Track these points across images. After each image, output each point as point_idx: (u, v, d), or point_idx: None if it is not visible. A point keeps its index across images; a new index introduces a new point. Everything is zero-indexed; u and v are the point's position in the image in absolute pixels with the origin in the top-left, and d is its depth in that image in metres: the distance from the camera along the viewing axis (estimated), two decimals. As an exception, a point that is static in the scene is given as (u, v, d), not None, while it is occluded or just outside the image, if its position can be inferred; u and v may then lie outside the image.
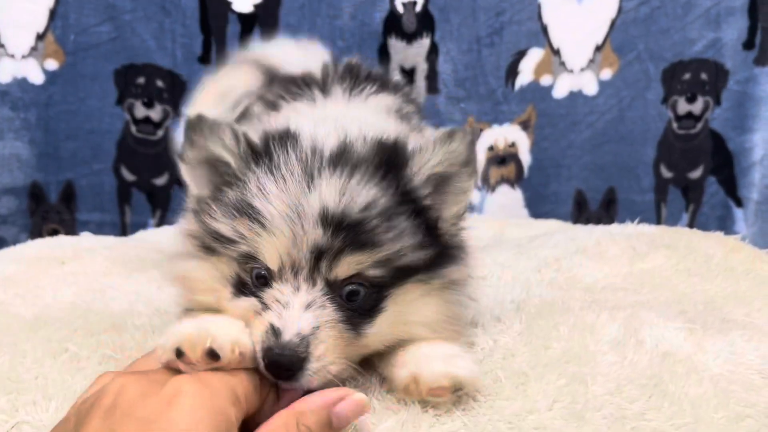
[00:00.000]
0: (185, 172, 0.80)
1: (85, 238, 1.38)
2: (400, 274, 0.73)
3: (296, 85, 1.06)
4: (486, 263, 1.15)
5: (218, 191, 0.77)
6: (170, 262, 0.84)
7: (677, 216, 1.97)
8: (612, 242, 1.23)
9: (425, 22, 1.86)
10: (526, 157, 1.95)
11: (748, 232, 1.88)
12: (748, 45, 1.85)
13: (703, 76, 1.88)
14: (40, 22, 1.82)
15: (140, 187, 1.92)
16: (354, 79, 1.07)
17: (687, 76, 1.88)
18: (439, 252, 0.76)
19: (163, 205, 1.92)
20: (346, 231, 0.70)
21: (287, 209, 0.70)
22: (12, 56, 1.82)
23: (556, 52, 1.88)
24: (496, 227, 1.64)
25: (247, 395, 0.65)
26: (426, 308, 0.76)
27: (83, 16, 1.83)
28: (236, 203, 0.73)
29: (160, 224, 1.89)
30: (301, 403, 0.65)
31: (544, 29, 1.87)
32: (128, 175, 1.91)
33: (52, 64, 1.84)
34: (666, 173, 1.95)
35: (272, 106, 1.02)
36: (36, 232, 1.88)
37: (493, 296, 1.01)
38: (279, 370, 0.68)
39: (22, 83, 1.83)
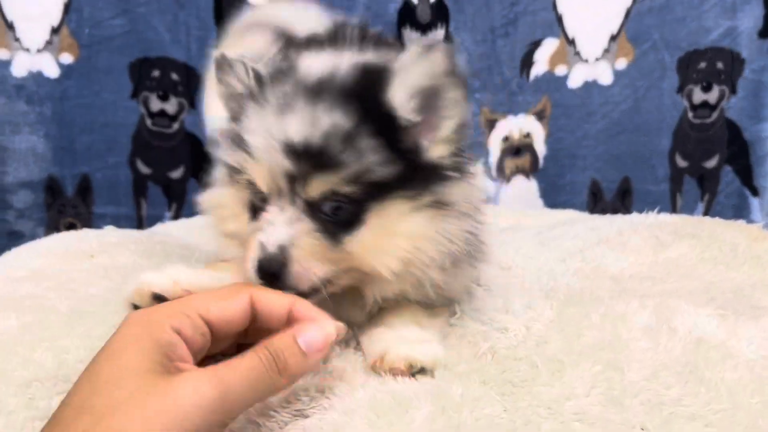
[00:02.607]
0: (225, 107, 0.88)
1: (110, 231, 1.37)
2: (378, 189, 0.77)
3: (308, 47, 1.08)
4: (508, 254, 1.15)
5: (231, 123, 0.85)
6: (205, 193, 0.92)
7: (692, 206, 1.97)
8: (633, 232, 1.22)
9: (440, 13, 1.86)
10: (541, 148, 1.95)
11: (764, 221, 1.88)
12: (764, 33, 1.85)
13: (719, 65, 1.88)
14: (55, 15, 1.82)
15: (156, 180, 1.92)
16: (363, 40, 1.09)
17: (702, 65, 1.88)
18: (427, 170, 0.79)
19: (179, 198, 1.92)
20: (308, 157, 0.75)
21: (264, 140, 0.77)
22: (27, 50, 1.82)
23: (571, 42, 1.88)
24: (512, 219, 1.64)
25: (201, 309, 0.68)
26: (411, 222, 0.78)
27: (97, 9, 1.83)
28: (236, 137, 0.80)
29: (176, 217, 1.90)
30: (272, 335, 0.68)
31: (559, 19, 1.87)
32: (144, 168, 1.91)
33: (67, 58, 1.84)
34: (681, 163, 1.95)
35: None
36: (52, 226, 1.89)
37: (520, 285, 1.01)
38: (266, 277, 0.75)
39: (37, 77, 1.83)
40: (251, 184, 0.80)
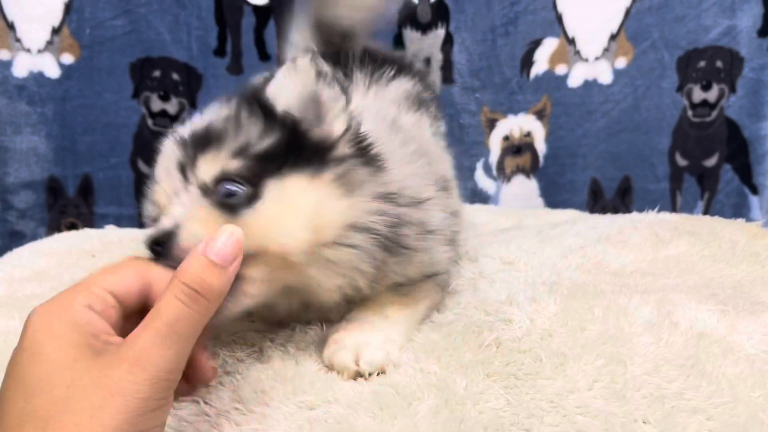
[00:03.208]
0: None
1: (112, 231, 1.38)
2: (270, 165, 0.77)
3: None
4: (510, 249, 1.15)
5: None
6: None
7: (692, 204, 1.97)
8: (634, 230, 1.23)
9: (440, 13, 1.86)
10: (541, 147, 1.95)
11: (763, 218, 1.89)
12: (763, 32, 1.86)
13: (719, 63, 1.88)
14: (56, 16, 1.83)
15: (157, 180, 1.92)
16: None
17: (702, 63, 1.89)
18: (323, 150, 0.80)
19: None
20: (194, 143, 0.78)
21: (161, 160, 0.81)
22: (28, 51, 1.83)
23: (571, 42, 1.88)
24: (514, 218, 1.64)
25: (110, 287, 0.64)
26: (311, 196, 0.77)
27: (98, 9, 1.83)
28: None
29: (177, 216, 1.90)
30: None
31: (559, 18, 1.87)
32: (145, 169, 1.91)
33: (68, 58, 1.84)
34: (681, 161, 1.95)
35: None
36: (54, 226, 1.89)
37: (524, 279, 1.01)
38: (153, 246, 0.72)
39: (38, 77, 1.83)
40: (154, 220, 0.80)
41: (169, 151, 0.81)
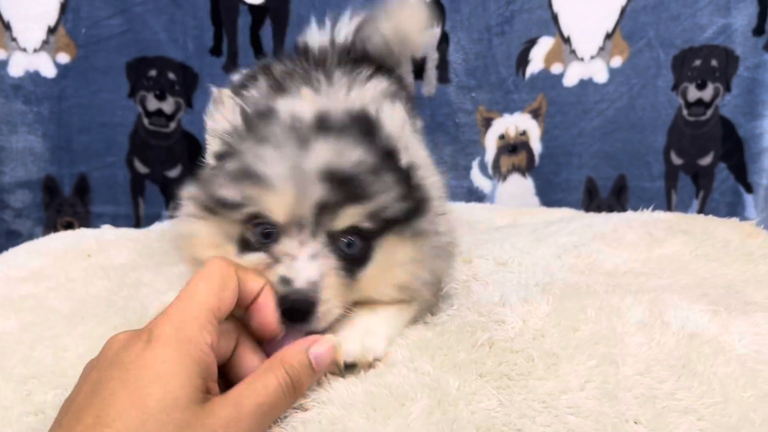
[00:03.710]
0: (210, 142, 0.87)
1: (108, 230, 1.38)
2: (385, 226, 0.80)
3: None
4: (504, 249, 1.16)
5: (221, 160, 0.84)
6: (174, 223, 0.93)
7: (687, 202, 1.98)
8: (629, 229, 1.23)
9: (436, 12, 1.86)
10: (537, 146, 1.95)
11: (758, 217, 1.89)
12: (758, 31, 1.86)
13: (714, 62, 1.88)
14: (52, 15, 1.82)
15: (154, 180, 1.93)
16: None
17: (697, 62, 1.89)
18: (413, 205, 0.83)
19: (176, 197, 1.92)
20: (343, 185, 0.77)
21: (288, 169, 0.76)
22: (24, 50, 1.82)
23: (567, 41, 1.89)
24: (509, 217, 1.65)
25: (221, 307, 0.70)
26: (402, 253, 0.82)
27: (94, 9, 1.83)
28: (237, 172, 0.80)
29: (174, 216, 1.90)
30: (282, 351, 0.72)
31: (555, 17, 1.87)
32: (141, 168, 1.91)
33: (63, 58, 1.84)
34: (676, 160, 1.96)
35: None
36: (50, 226, 1.89)
37: (516, 280, 1.02)
38: (294, 314, 0.75)
39: (34, 77, 1.83)
40: (253, 217, 0.79)
41: (309, 165, 0.77)
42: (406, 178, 0.83)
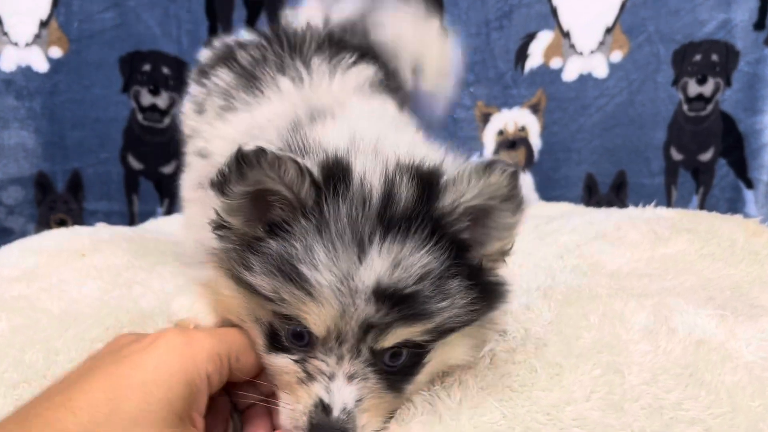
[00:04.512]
0: (224, 207, 0.71)
1: (102, 229, 1.36)
2: (448, 331, 0.71)
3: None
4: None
5: (260, 230, 0.71)
6: (189, 268, 0.81)
7: (687, 198, 1.97)
8: (632, 227, 1.21)
9: (434, 6, 1.84)
10: (536, 141, 1.94)
11: (758, 213, 1.88)
12: (759, 26, 1.84)
13: (714, 57, 1.87)
14: (44, 9, 1.80)
15: (148, 176, 1.90)
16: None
17: (697, 57, 1.87)
18: (483, 307, 0.72)
19: (171, 193, 1.90)
20: (399, 305, 0.66)
21: (337, 281, 0.65)
22: (15, 44, 1.80)
23: (566, 35, 1.87)
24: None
25: (232, 356, 0.68)
26: (461, 348, 0.76)
27: (87, 2, 1.80)
28: (280, 262, 0.67)
29: (168, 212, 1.88)
30: None
31: (554, 12, 1.85)
32: (135, 164, 1.89)
33: (56, 52, 1.82)
34: (676, 156, 1.94)
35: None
36: (43, 222, 1.87)
37: (518, 284, 1.00)
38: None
39: (26, 72, 1.81)
40: (286, 318, 0.69)
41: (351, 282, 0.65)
42: (478, 274, 0.71)
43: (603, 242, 1.17)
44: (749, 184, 1.93)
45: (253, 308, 0.72)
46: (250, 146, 0.66)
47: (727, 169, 1.95)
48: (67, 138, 1.85)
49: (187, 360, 0.63)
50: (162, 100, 1.87)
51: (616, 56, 1.88)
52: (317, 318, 0.67)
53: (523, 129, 1.92)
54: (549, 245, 1.19)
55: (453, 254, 0.69)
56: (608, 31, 1.86)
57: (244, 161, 0.66)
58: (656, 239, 1.16)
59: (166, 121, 1.88)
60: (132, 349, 0.63)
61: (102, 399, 0.58)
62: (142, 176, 1.90)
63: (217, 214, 0.71)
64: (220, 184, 0.69)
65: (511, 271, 1.05)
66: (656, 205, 1.36)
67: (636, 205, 1.36)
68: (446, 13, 1.84)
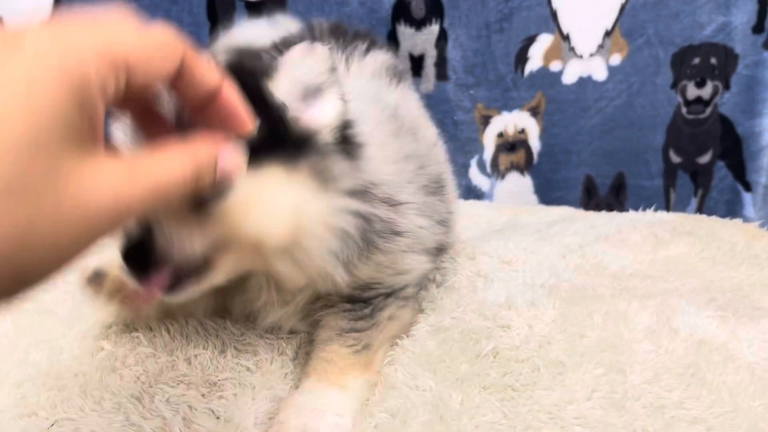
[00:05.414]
0: None
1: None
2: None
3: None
4: (509, 247, 1.14)
5: None
6: None
7: (686, 201, 1.97)
8: (633, 229, 1.22)
9: (434, 9, 1.84)
10: (535, 144, 1.94)
11: (756, 215, 1.89)
12: (758, 29, 1.84)
13: (713, 60, 1.87)
14: (45, 10, 1.79)
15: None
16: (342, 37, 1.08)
17: (696, 60, 1.87)
18: (303, 141, 0.73)
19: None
20: None
21: None
22: (17, 46, 1.79)
23: (566, 38, 1.87)
24: (508, 214, 1.64)
25: (138, 56, 0.50)
26: (289, 191, 0.73)
27: (88, 4, 1.80)
28: None
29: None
30: (196, 141, 0.55)
31: (554, 15, 1.85)
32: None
33: (57, 53, 1.81)
34: (675, 158, 1.95)
35: None
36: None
37: (522, 280, 1.00)
38: (132, 252, 0.72)
39: (27, 73, 1.80)
40: None
41: None
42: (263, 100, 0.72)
43: (605, 244, 1.17)
44: (747, 187, 1.93)
45: None
46: None
47: (725, 171, 1.95)
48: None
49: (73, 71, 0.45)
50: (162, 102, 1.87)
51: (616, 59, 1.88)
52: None
53: (522, 131, 1.93)
54: (552, 246, 1.19)
55: None
56: (608, 34, 1.87)
57: None
58: (657, 242, 1.17)
59: (167, 122, 1.88)
60: None
61: None
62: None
63: None
64: None
65: (516, 269, 1.07)
66: (656, 208, 1.36)
67: (635, 207, 1.37)
68: (446, 16, 1.85)
